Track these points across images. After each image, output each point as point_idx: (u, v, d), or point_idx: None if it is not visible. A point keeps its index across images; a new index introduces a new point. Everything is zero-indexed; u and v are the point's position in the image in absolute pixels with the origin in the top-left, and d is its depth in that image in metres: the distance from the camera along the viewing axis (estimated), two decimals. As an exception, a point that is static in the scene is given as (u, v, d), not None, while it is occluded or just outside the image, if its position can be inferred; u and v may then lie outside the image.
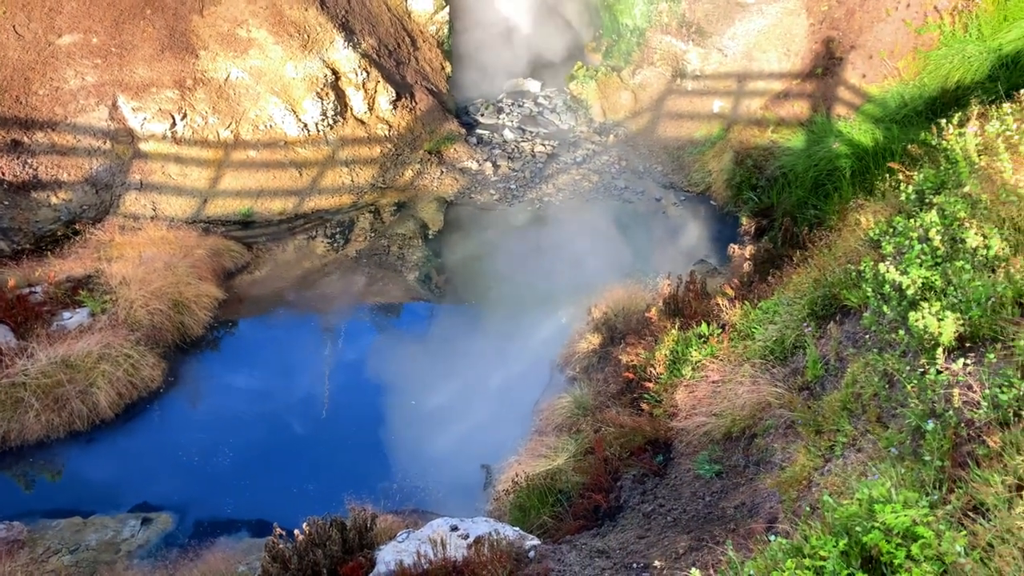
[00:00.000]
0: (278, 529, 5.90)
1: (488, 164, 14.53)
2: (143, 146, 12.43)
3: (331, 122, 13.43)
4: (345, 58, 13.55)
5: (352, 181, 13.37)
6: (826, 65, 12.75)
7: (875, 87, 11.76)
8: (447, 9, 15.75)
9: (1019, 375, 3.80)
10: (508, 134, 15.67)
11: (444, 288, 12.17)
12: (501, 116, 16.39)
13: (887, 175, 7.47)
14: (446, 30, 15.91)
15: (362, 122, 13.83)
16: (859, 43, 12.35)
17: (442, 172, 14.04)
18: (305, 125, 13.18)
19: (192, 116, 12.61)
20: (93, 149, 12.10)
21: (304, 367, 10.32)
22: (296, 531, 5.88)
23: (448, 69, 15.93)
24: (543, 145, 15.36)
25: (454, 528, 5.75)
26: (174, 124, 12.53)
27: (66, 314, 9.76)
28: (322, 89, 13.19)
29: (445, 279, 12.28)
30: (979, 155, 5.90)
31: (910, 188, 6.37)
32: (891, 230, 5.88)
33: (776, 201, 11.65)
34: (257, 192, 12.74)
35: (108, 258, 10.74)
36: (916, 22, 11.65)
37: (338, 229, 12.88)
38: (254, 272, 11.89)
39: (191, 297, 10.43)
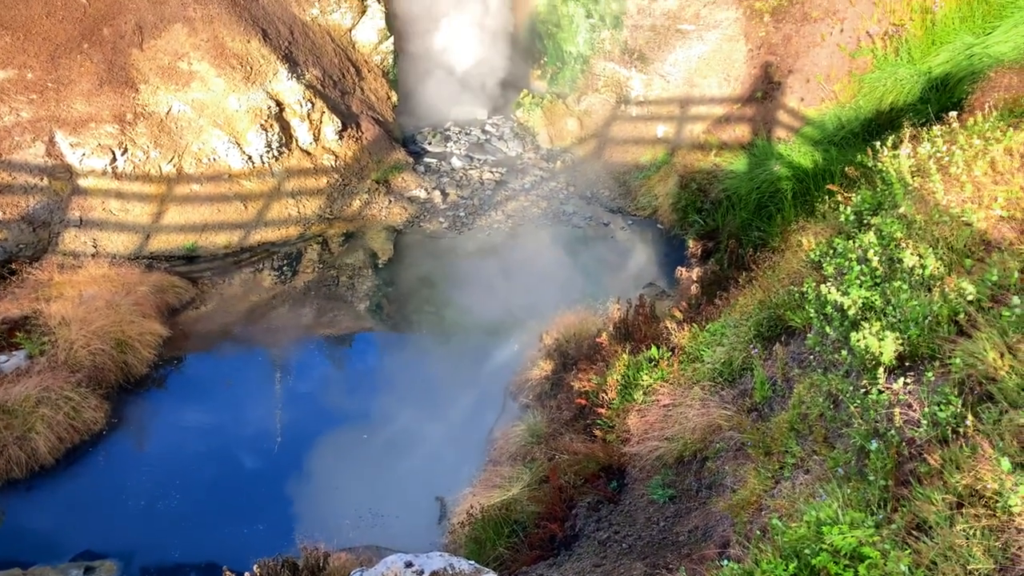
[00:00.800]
0: (228, 572, 5.75)
1: (437, 192, 14.54)
2: (82, 182, 12.18)
3: (276, 154, 13.34)
4: (289, 89, 13.49)
5: (299, 212, 13.27)
6: (765, 89, 13.07)
7: (813, 110, 12.07)
8: (391, 39, 15.79)
9: (956, 392, 3.90)
10: (456, 162, 15.72)
11: (395, 317, 12.09)
12: (449, 144, 16.43)
13: (827, 197, 7.66)
14: (391, 60, 15.95)
15: (308, 153, 13.76)
16: (796, 67, 12.69)
17: (390, 201, 14.01)
18: (250, 157, 13.07)
19: (133, 151, 12.41)
20: (29, 186, 11.83)
21: (253, 402, 10.13)
22: (246, 573, 5.75)
23: (394, 98, 15.94)
24: (491, 172, 15.44)
25: (408, 564, 5.66)
26: (114, 159, 12.31)
27: (2, 357, 9.46)
28: (266, 121, 13.10)
29: (396, 308, 12.21)
30: (913, 176, 6.08)
31: (849, 209, 6.53)
32: (832, 251, 6.02)
33: (721, 223, 11.85)
34: (201, 226, 12.57)
35: (47, 298, 10.45)
36: (850, 46, 12.02)
37: (285, 261, 12.75)
38: (200, 308, 11.68)
39: (134, 336, 10.19)
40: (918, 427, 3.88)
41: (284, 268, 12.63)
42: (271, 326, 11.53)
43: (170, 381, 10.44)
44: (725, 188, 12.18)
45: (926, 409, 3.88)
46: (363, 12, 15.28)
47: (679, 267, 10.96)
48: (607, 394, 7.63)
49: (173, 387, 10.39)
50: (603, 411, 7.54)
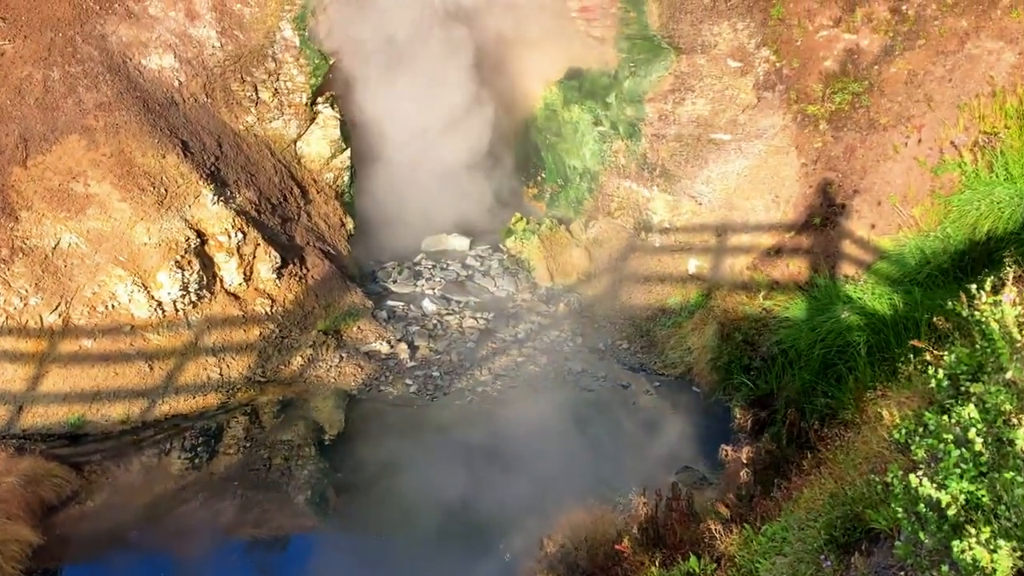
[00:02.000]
0: None
1: (403, 345, 14.63)
2: (-62, 337, 12.26)
3: (195, 298, 13.49)
4: (215, 216, 13.80)
5: (221, 374, 13.29)
6: (825, 214, 13.42)
7: (888, 240, 12.35)
8: (347, 152, 16.29)
9: (1100, 628, 3.80)
10: (429, 305, 15.90)
11: (345, 514, 11.94)
12: (419, 282, 16.68)
13: (911, 354, 7.71)
14: (346, 178, 16.40)
15: (236, 297, 13.92)
16: (863, 186, 13.08)
17: (342, 358, 14.08)
18: (159, 304, 13.20)
19: (8, 296, 12.55)
20: None
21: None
22: None
23: (350, 225, 16.29)
24: (475, 319, 15.60)
25: None
26: (-18, 307, 12.45)
27: None
28: (183, 256, 13.31)
29: (347, 501, 12.06)
30: (1021, 330, 6.14)
31: (940, 373, 6.55)
32: (921, 429, 6.00)
33: (776, 386, 11.90)
34: (92, 394, 12.54)
35: None
36: (931, 160, 12.44)
37: (201, 439, 12.67)
38: (85, 502, 11.51)
39: (-6, 544, 9.99)
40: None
41: (199, 448, 12.54)
42: (179, 526, 11.35)
43: (40, 606, 10.17)
44: (779, 340, 12.29)
45: (1062, 651, 3.78)
46: (312, 120, 15.84)
47: (723, 445, 10.89)
48: (631, 623, 7.43)
49: (43, 615, 10.11)
50: (626, 646, 7.32)
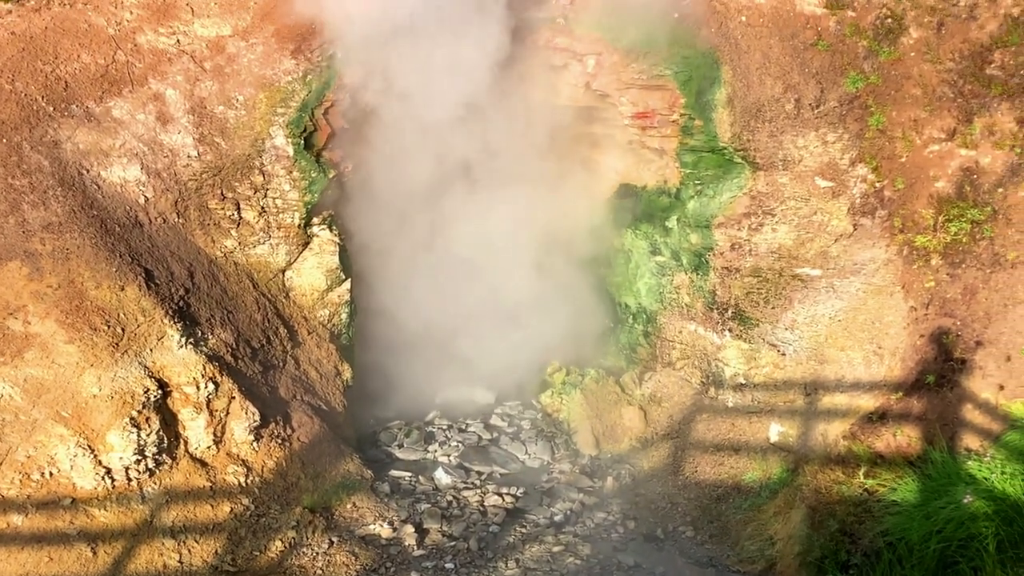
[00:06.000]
0: None
1: (409, 528, 14.45)
2: None
3: (152, 465, 13.40)
4: (181, 362, 13.82)
5: (181, 562, 13.12)
6: (940, 371, 13.30)
7: (1021, 404, 12.19)
8: (347, 284, 16.38)
9: None
10: (442, 477, 15.74)
11: None
12: (432, 447, 16.57)
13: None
14: (345, 315, 16.45)
15: (203, 463, 13.85)
16: (988, 337, 12.97)
17: (332, 543, 13.91)
18: (108, 471, 13.12)
19: (-78, 458, 12.58)
20: None
21: None
22: None
23: (347, 375, 16.28)
24: (500, 495, 15.42)
25: None
26: None
27: None
28: (140, 412, 13.29)
29: None
30: None
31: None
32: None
33: (882, 590, 11.65)
34: (19, 584, 12.44)
35: None
36: (1073, 304, 12.39)
37: (153, 646, 12.50)
38: None
39: None
40: None
41: (150, 658, 12.35)
42: None
43: None
44: (885, 530, 12.06)
45: None
46: (305, 244, 15.98)
47: (816, 667, 10.67)
48: None
49: None
50: None
